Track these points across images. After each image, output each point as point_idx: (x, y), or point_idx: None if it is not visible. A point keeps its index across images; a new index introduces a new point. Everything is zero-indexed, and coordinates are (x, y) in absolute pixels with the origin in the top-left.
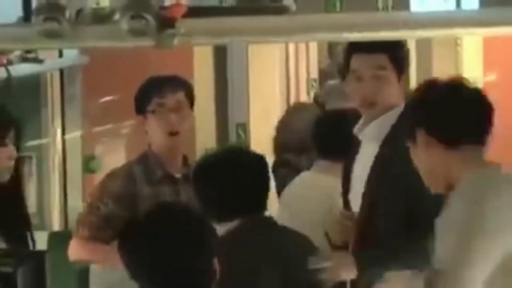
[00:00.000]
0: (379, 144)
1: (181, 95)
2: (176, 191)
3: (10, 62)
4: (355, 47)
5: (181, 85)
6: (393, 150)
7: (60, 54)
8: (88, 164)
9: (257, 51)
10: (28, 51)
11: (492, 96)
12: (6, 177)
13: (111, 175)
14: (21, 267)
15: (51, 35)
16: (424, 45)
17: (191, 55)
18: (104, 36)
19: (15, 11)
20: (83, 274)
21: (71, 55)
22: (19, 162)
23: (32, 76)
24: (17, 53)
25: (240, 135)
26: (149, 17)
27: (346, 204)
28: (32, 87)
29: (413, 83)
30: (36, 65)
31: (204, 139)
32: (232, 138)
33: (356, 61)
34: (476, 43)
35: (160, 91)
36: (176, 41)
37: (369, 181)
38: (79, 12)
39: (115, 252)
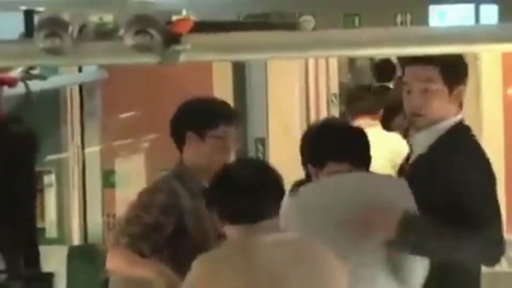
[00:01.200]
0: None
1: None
2: None
3: (29, 77)
4: (407, 60)
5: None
6: (434, 160)
7: (80, 69)
8: (108, 178)
9: (277, 67)
10: (31, 68)
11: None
12: None
13: (153, 189)
14: None
15: (53, 51)
16: None
17: (210, 71)
18: (108, 52)
19: (18, 27)
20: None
21: (91, 70)
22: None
23: (52, 91)
24: (20, 69)
25: (259, 149)
26: (154, 32)
27: None
28: (52, 102)
29: None
30: (55, 80)
31: None
32: (252, 153)
33: (408, 74)
34: (495, 58)
35: (229, 119)
36: (182, 57)
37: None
38: (82, 28)
39: (151, 266)
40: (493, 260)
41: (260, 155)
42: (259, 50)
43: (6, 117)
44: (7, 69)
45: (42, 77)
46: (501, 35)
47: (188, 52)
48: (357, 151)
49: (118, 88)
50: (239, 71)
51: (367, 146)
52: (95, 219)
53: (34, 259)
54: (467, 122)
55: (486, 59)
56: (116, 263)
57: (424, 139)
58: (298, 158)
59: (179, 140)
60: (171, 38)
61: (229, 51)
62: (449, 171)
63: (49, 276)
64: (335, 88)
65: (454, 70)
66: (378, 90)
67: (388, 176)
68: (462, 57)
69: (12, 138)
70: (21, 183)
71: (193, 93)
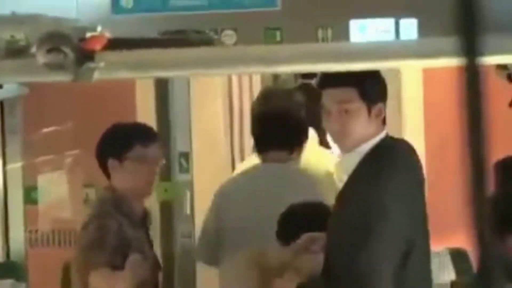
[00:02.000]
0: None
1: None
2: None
3: None
4: (323, 83)
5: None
6: (353, 188)
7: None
8: (30, 195)
9: (200, 81)
10: None
11: (435, 127)
12: None
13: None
14: None
15: None
16: None
17: (133, 86)
18: (20, 70)
19: None
20: None
21: (11, 86)
22: None
23: None
24: None
25: (182, 165)
26: (67, 50)
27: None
28: None
29: None
30: None
31: None
32: (175, 167)
33: (326, 96)
34: (416, 75)
35: (144, 139)
36: (96, 75)
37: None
38: None
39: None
40: None
41: (184, 169)
42: (175, 67)
43: None
44: None
45: None
46: (421, 51)
47: (102, 70)
48: (285, 138)
49: (39, 104)
50: (162, 85)
51: (293, 128)
52: (17, 236)
53: None
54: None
55: (407, 77)
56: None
57: (348, 163)
58: (222, 171)
59: (103, 168)
60: (85, 56)
61: (144, 68)
62: (354, 205)
63: None
64: None
65: (371, 89)
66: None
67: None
68: (379, 75)
69: None
70: None
71: (115, 107)
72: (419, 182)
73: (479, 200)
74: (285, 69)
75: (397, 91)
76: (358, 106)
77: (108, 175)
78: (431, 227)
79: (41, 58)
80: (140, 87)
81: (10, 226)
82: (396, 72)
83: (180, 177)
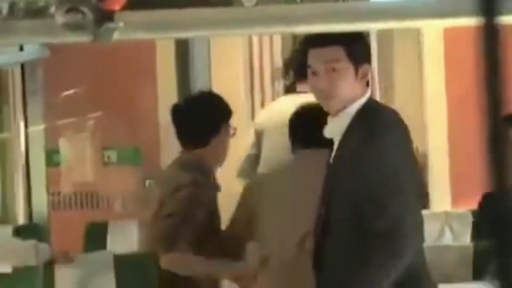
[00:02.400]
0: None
1: None
2: None
3: None
4: (309, 42)
5: None
6: (344, 153)
7: (21, 48)
8: (52, 157)
9: (220, 42)
10: None
11: (454, 87)
12: None
13: (178, 185)
14: None
15: None
16: (386, 37)
17: (154, 47)
18: (39, 31)
19: None
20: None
21: (32, 48)
22: None
23: None
24: None
25: None
26: (86, 10)
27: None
28: None
29: (375, 76)
30: None
31: (168, 133)
32: None
33: (312, 56)
34: (437, 35)
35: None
36: (115, 35)
37: (324, 188)
38: (11, 5)
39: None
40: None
41: None
42: (195, 28)
43: None
44: None
45: None
46: (442, 9)
47: (122, 30)
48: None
49: (61, 66)
50: (182, 46)
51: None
52: (40, 199)
53: None
54: (410, 100)
55: (428, 36)
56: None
57: (337, 125)
58: (242, 132)
59: (211, 131)
60: (104, 16)
61: (164, 28)
62: (357, 167)
63: None
64: (279, 63)
65: (358, 49)
66: None
67: None
68: (364, 36)
69: None
70: None
71: (136, 69)
72: (410, 138)
73: (496, 147)
74: (305, 29)
75: (418, 50)
76: (345, 65)
77: (208, 138)
78: (454, 188)
79: (60, 18)
80: (160, 48)
81: (32, 188)
82: (417, 32)
83: None
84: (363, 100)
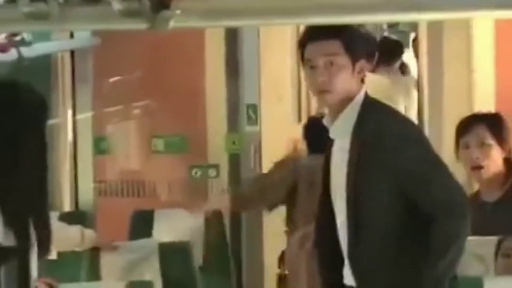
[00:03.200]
0: (348, 139)
1: None
2: None
3: (22, 43)
4: (307, 37)
5: None
6: (362, 144)
7: (71, 35)
8: (99, 145)
9: (269, 32)
10: (14, 34)
11: (504, 79)
12: None
13: None
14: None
15: (38, 16)
16: (435, 28)
17: (202, 35)
18: (95, 17)
19: None
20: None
21: (82, 36)
22: None
23: (43, 57)
24: (3, 36)
25: (250, 116)
26: None
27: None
28: (43, 68)
29: (424, 67)
30: (46, 46)
31: (215, 120)
32: (243, 119)
33: (310, 49)
34: (488, 26)
35: None
36: (172, 23)
37: (348, 177)
38: None
39: None
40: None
41: (252, 121)
42: (251, 16)
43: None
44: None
45: (27, 43)
46: (492, 2)
47: (178, 18)
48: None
49: (110, 54)
50: (232, 36)
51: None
52: (86, 186)
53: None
54: (459, 90)
55: (478, 28)
56: None
57: (343, 125)
58: (289, 123)
59: None
60: (161, 3)
61: (220, 16)
62: (396, 151)
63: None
64: None
65: (356, 43)
66: None
67: None
68: (362, 31)
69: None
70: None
71: (185, 58)
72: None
73: None
74: (352, 19)
75: (467, 44)
76: (343, 59)
77: None
78: None
79: (117, 4)
80: (209, 36)
81: (79, 176)
82: (467, 25)
83: (248, 129)
84: (361, 96)
